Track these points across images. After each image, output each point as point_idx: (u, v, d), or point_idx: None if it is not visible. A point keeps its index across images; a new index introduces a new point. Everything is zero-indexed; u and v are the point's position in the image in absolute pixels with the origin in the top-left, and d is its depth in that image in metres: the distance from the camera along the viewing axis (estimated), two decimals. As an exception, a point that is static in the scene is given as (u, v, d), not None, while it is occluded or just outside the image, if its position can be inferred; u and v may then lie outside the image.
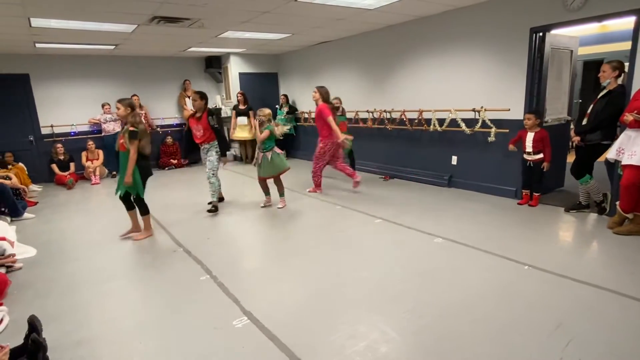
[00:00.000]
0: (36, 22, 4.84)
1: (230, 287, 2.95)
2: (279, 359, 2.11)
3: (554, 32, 4.57)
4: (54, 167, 7.36)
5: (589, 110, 4.04)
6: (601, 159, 4.12)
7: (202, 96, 4.80)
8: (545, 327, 2.26)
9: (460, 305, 2.54)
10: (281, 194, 5.06)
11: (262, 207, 5.07)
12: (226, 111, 9.02)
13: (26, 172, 6.87)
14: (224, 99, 9.35)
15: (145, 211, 4.12)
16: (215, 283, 3.04)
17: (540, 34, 4.52)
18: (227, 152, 5.30)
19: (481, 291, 2.72)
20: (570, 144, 5.19)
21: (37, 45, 6.39)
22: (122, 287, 3.13)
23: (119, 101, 3.89)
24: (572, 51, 5.08)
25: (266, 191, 5.09)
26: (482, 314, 2.44)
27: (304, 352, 2.14)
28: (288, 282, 3.05)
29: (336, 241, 3.86)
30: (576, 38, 5.16)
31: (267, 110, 4.82)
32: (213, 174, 4.88)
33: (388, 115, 6.50)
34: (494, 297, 2.63)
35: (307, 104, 8.47)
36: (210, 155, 4.91)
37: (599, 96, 3.97)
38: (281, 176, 4.96)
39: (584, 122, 4.05)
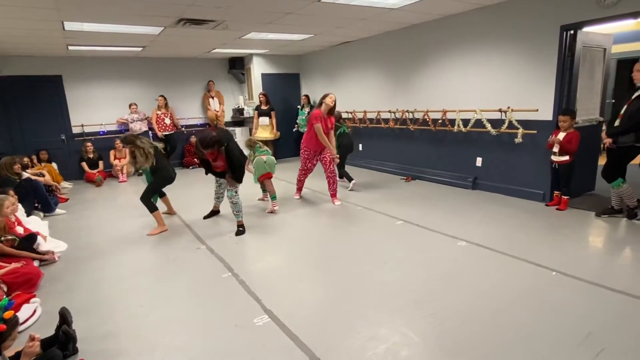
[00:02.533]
0: (69, 25, 5.03)
1: (252, 285, 2.99)
2: (299, 358, 2.12)
3: (586, 29, 4.41)
4: (84, 165, 7.65)
5: (622, 111, 3.88)
6: (635, 161, 3.94)
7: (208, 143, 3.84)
8: (574, 336, 2.18)
9: (485, 311, 2.48)
10: (272, 197, 5.03)
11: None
12: (248, 111, 9.14)
13: (57, 171, 7.15)
14: (247, 99, 9.47)
15: (151, 209, 4.40)
16: (237, 280, 3.08)
17: (572, 31, 4.36)
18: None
19: (507, 297, 2.65)
20: (602, 146, 5.00)
21: (70, 47, 6.64)
22: (146, 282, 3.21)
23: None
24: (605, 49, 4.89)
25: (264, 190, 5.35)
26: (507, 320, 2.38)
27: (323, 353, 2.14)
28: (308, 282, 3.05)
29: (357, 242, 3.84)
30: (610, 35, 4.96)
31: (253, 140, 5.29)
32: (236, 193, 4.19)
33: (410, 116, 6.42)
34: (520, 304, 2.55)
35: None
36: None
37: (633, 97, 3.81)
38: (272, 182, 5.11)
39: (617, 123, 3.90)
